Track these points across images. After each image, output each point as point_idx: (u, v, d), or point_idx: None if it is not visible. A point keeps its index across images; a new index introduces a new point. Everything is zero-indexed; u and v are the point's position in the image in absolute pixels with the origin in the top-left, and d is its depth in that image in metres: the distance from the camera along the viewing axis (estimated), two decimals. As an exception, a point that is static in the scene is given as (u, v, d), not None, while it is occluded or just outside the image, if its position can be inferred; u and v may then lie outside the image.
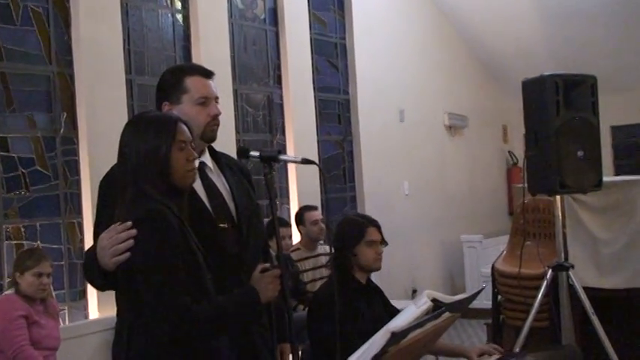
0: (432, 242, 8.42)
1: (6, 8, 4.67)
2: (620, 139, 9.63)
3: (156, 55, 5.59)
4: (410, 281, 7.87)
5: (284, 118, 6.71)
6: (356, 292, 3.03)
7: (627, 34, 8.26)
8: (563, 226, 3.87)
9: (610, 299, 4.00)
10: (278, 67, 6.72)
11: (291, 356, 2.46)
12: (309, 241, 5.50)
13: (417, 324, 2.17)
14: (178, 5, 5.86)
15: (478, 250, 8.32)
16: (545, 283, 3.73)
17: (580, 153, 3.64)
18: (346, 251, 3.04)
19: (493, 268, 4.57)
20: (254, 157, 2.30)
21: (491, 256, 5.60)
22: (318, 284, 4.98)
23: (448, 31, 9.14)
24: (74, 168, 4.93)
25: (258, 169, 4.18)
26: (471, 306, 2.57)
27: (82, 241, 4.90)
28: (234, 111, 6.11)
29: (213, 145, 2.51)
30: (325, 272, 5.25)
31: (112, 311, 2.41)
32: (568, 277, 3.73)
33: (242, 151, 2.35)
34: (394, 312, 3.01)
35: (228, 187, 2.44)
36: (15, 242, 4.59)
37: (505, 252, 4.63)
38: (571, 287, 3.73)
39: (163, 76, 2.48)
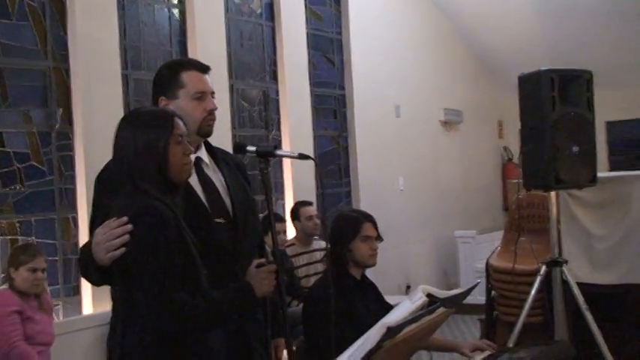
0: (426, 237, 8.42)
1: (2, 3, 4.65)
2: (615, 134, 9.62)
3: (152, 50, 5.57)
4: (404, 277, 7.87)
5: (280, 114, 6.70)
6: (351, 288, 3.03)
7: (623, 30, 8.26)
8: (558, 221, 3.89)
9: (604, 295, 4.02)
10: (274, 63, 6.71)
11: (285, 351, 2.46)
12: (304, 237, 5.51)
13: (412, 319, 2.18)
14: (174, 0, 5.85)
15: (472, 246, 8.32)
16: (538, 278, 3.74)
17: (575, 148, 3.66)
18: (341, 247, 3.04)
19: (487, 263, 4.59)
20: (251, 152, 2.31)
21: (485, 252, 5.61)
22: (313, 280, 4.99)
23: (444, 27, 9.13)
24: (69, 163, 4.92)
25: (254, 164, 4.17)
26: (464, 302, 2.58)
27: (76, 236, 4.89)
28: (230, 106, 6.10)
29: (209, 140, 2.52)
30: (320, 268, 5.26)
31: (106, 307, 2.42)
32: (562, 272, 3.74)
33: (239, 147, 2.35)
34: (388, 308, 3.01)
35: (224, 183, 2.45)
36: (9, 237, 4.57)
37: (499, 247, 4.65)
38: (565, 283, 3.74)
39: (160, 71, 2.48)
